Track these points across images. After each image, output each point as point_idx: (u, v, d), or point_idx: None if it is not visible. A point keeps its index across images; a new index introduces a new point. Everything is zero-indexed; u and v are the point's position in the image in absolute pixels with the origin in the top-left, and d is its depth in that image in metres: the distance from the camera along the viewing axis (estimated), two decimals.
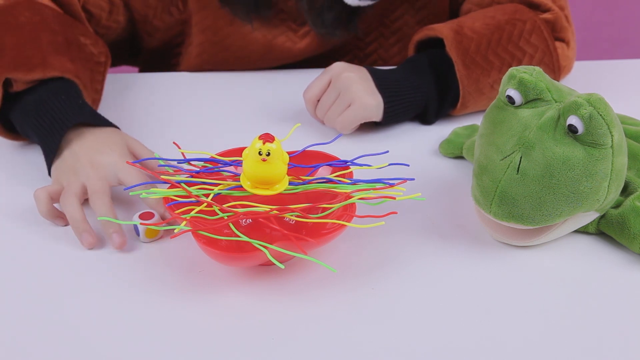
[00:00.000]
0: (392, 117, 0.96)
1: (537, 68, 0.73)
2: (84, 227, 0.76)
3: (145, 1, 1.06)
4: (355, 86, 0.93)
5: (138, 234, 0.76)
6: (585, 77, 1.12)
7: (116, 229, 0.75)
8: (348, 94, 0.93)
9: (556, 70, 1.00)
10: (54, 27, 0.94)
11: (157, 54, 1.15)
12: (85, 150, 0.83)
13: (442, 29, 0.97)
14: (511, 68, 0.74)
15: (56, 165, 0.83)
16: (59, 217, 0.80)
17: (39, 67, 0.88)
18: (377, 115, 0.95)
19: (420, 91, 0.96)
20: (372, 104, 0.93)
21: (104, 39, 1.06)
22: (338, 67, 0.95)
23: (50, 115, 0.85)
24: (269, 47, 1.09)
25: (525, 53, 0.98)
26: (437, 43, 0.99)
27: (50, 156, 0.84)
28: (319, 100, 0.96)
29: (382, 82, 0.95)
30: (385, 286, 0.71)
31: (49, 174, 0.84)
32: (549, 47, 0.99)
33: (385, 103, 0.94)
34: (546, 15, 1.01)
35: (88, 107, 0.88)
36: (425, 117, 0.99)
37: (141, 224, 0.73)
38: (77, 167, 0.81)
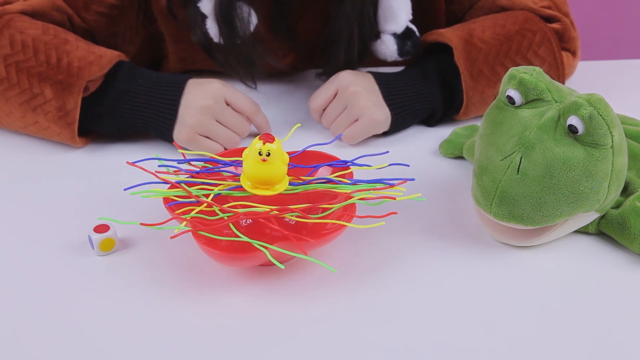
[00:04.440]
0: (399, 126, 0.96)
1: (537, 68, 0.73)
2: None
3: (112, 31, 1.03)
4: (363, 101, 0.93)
5: (92, 247, 0.75)
6: (585, 77, 1.12)
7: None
8: (356, 109, 0.93)
9: (561, 81, 1.00)
10: (64, 30, 0.95)
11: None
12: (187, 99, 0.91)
13: (452, 37, 0.96)
14: (511, 68, 0.74)
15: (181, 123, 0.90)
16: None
17: (96, 61, 0.90)
18: (384, 128, 0.95)
19: (427, 100, 0.96)
20: (380, 119, 0.93)
21: None
22: (345, 78, 0.94)
23: (156, 88, 0.92)
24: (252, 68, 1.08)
25: (532, 65, 0.97)
26: (443, 44, 0.99)
27: (171, 119, 0.90)
28: (324, 109, 0.96)
29: (389, 93, 0.94)
30: (385, 286, 0.71)
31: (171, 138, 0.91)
32: (556, 61, 0.99)
33: (392, 116, 0.94)
34: (555, 26, 1.01)
35: (167, 73, 0.95)
36: (429, 122, 0.99)
37: (141, 224, 0.73)
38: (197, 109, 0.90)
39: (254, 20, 0.96)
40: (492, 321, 0.67)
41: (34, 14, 0.96)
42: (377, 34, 0.97)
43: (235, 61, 0.99)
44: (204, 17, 0.95)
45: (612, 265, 0.73)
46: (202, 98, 0.90)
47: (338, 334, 0.65)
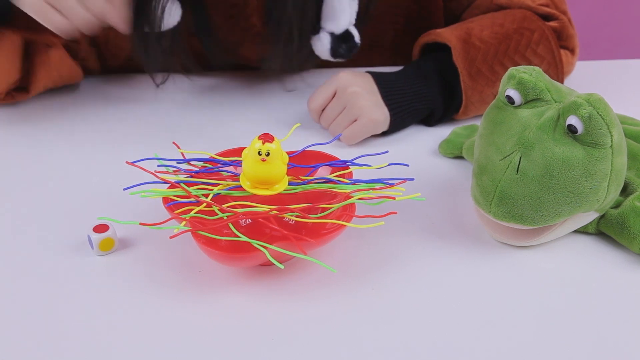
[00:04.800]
0: (398, 126, 0.96)
1: (537, 68, 0.73)
2: None
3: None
4: (362, 102, 0.92)
5: (92, 247, 0.74)
6: (585, 77, 1.12)
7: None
8: (355, 109, 0.93)
9: (560, 79, 1.00)
10: None
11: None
12: None
13: (450, 37, 0.96)
14: (511, 68, 0.74)
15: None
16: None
17: None
18: (383, 128, 0.95)
19: (426, 100, 0.96)
20: (379, 119, 0.93)
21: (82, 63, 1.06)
22: (344, 79, 0.94)
23: None
24: (234, 56, 1.07)
25: (530, 64, 0.97)
26: (442, 44, 0.99)
27: None
28: (323, 109, 0.96)
29: (388, 93, 0.94)
30: (385, 286, 0.71)
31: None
32: (554, 59, 0.99)
33: (391, 116, 0.94)
34: (553, 24, 1.01)
35: None
36: (429, 121, 0.99)
37: (141, 224, 0.73)
38: None
39: (172, 19, 0.93)
40: (492, 321, 0.67)
41: None
42: (316, 30, 0.96)
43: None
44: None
45: (611, 265, 0.73)
46: None
47: (338, 334, 0.65)
